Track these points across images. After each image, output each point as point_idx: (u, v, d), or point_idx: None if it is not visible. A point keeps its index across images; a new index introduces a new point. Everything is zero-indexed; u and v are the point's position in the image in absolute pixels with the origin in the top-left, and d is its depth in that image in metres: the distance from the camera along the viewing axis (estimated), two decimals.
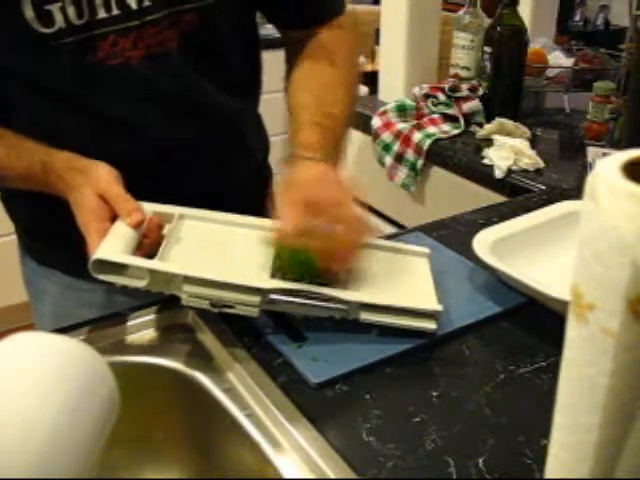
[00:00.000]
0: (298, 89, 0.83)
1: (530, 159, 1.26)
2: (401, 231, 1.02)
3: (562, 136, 1.46)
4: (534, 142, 1.36)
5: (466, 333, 0.71)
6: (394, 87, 1.66)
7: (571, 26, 2.50)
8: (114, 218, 0.68)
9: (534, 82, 1.56)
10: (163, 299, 0.73)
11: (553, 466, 0.37)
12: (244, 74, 0.88)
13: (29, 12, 0.69)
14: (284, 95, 0.86)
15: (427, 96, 1.52)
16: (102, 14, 0.72)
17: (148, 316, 0.73)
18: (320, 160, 0.72)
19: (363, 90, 1.78)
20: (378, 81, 1.73)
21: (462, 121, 1.46)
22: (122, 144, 0.78)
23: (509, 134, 1.37)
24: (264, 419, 0.60)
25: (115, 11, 0.72)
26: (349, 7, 0.91)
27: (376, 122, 1.51)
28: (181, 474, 0.70)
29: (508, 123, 1.38)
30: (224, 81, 0.83)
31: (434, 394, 0.62)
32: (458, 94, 1.48)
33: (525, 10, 1.65)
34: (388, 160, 1.48)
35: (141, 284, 0.64)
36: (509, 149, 1.28)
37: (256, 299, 0.65)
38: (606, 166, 0.30)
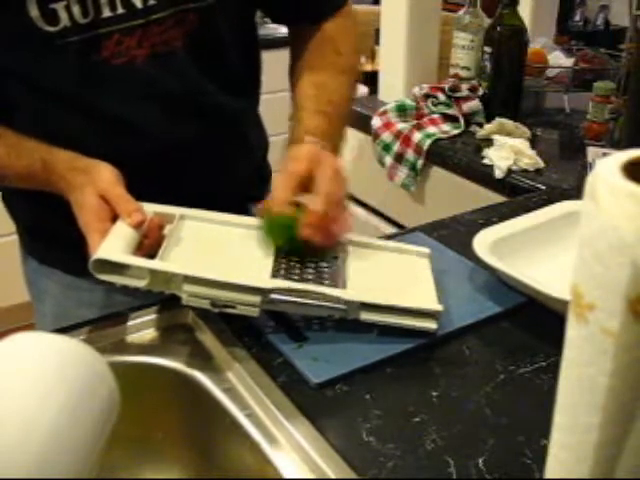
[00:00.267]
0: (303, 79, 0.84)
1: (530, 159, 1.26)
2: (401, 231, 1.02)
3: (562, 136, 1.46)
4: (534, 142, 1.36)
5: (466, 333, 0.71)
6: (394, 87, 1.66)
7: (571, 26, 2.50)
8: (115, 218, 0.68)
9: (534, 82, 1.56)
10: (163, 299, 0.73)
11: (553, 466, 0.37)
12: (244, 74, 0.89)
13: (34, 11, 0.69)
14: (289, 87, 0.86)
15: (427, 96, 1.52)
16: (107, 13, 0.72)
17: (148, 316, 0.73)
18: (320, 144, 0.74)
19: (363, 90, 1.78)
20: (378, 81, 1.73)
21: (462, 121, 1.46)
22: (123, 143, 0.78)
23: (509, 134, 1.37)
24: (264, 419, 0.60)
25: (120, 10, 0.72)
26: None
27: (376, 122, 1.51)
28: (181, 474, 0.70)
29: (508, 123, 1.38)
30: (224, 80, 0.84)
31: (434, 394, 0.62)
32: (458, 94, 1.48)
33: (525, 10, 1.65)
34: (388, 160, 1.48)
35: (141, 284, 0.64)
36: (509, 149, 1.28)
37: (256, 299, 0.65)
38: (606, 166, 0.30)
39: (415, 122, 1.48)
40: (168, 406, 0.69)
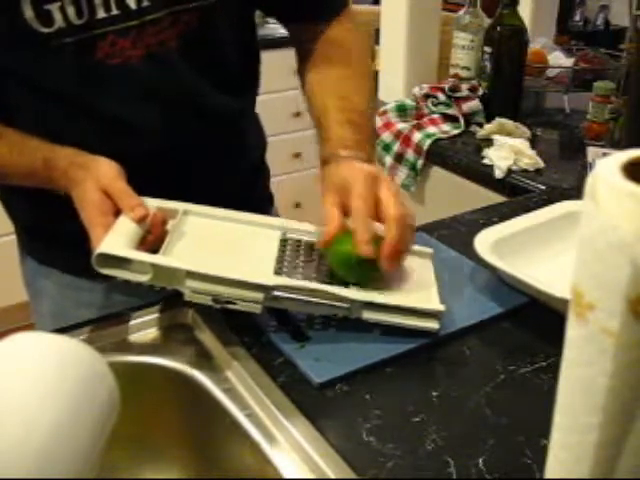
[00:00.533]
0: (321, 91, 0.83)
1: (530, 159, 1.26)
2: None
3: (562, 136, 1.46)
4: (534, 142, 1.36)
5: (467, 333, 0.70)
6: (394, 87, 1.66)
7: (571, 26, 2.51)
8: (117, 213, 0.68)
9: (534, 82, 1.56)
10: (163, 299, 0.73)
11: (553, 466, 0.37)
12: (243, 74, 0.89)
13: (28, 12, 0.69)
14: (302, 95, 0.85)
15: (427, 96, 1.52)
16: (101, 14, 0.72)
17: (148, 316, 0.73)
18: (358, 157, 0.71)
19: None
20: (378, 81, 1.73)
21: (462, 121, 1.46)
22: (123, 143, 0.78)
23: (509, 134, 1.37)
24: (264, 419, 0.60)
25: (114, 11, 0.72)
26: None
27: (376, 122, 1.51)
28: (181, 474, 0.70)
29: (508, 123, 1.39)
30: (223, 80, 0.84)
31: (434, 394, 0.62)
32: (458, 94, 1.48)
33: (525, 10, 1.65)
34: (388, 160, 1.48)
35: (144, 279, 0.64)
36: (509, 149, 1.28)
37: (259, 295, 0.65)
38: (606, 166, 0.30)
39: (415, 122, 1.48)
40: (168, 406, 0.69)
